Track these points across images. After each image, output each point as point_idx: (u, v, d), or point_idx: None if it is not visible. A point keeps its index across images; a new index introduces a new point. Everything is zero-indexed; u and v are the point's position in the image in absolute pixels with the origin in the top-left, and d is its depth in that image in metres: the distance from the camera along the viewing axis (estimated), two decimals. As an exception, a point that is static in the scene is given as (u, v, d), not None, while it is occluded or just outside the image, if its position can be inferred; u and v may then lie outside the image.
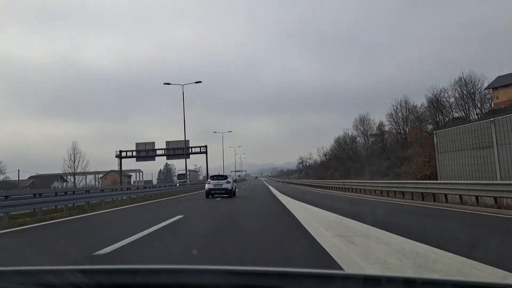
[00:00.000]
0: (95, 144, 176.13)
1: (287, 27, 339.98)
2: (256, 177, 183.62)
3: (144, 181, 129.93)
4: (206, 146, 59.38)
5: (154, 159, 59.18)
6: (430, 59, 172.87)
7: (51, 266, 1.33)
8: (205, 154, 59.79)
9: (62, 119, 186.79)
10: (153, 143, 58.88)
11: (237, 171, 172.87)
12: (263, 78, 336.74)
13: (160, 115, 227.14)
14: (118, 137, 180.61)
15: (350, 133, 59.46)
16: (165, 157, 59.29)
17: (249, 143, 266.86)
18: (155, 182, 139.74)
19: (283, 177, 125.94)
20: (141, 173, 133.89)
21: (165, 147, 58.70)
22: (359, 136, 58.61)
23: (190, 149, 59.39)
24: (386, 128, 54.27)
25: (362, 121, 58.10)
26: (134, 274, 1.32)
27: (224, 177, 23.90)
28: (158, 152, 59.06)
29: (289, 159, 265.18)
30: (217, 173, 26.59)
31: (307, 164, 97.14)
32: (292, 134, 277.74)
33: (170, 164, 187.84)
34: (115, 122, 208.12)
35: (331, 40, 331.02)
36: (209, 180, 23.59)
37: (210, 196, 22.41)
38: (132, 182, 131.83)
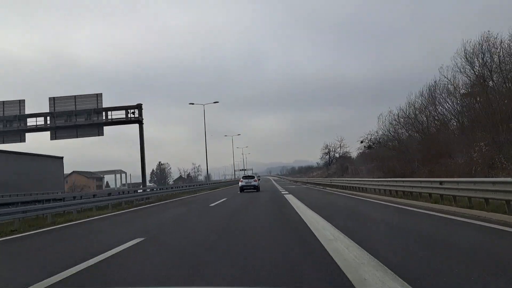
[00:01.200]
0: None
1: (293, 14, 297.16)
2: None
3: (132, 183, 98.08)
4: (139, 106, 26.60)
5: (22, 139, 26.48)
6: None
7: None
8: (138, 125, 26.97)
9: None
10: (20, 102, 26.41)
11: (243, 169, 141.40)
12: (267, 71, 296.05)
13: (159, 112, 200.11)
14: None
15: (452, 78, 25.92)
16: (49, 133, 26.63)
17: (256, 141, 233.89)
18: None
19: (299, 175, 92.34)
20: (123, 175, 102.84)
21: (48, 110, 26.24)
22: (483, 81, 25.04)
23: (103, 113, 26.88)
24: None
25: (481, 46, 24.71)
26: None
27: (252, 176, 30.91)
28: (32, 122, 26.55)
29: (298, 157, 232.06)
30: (246, 174, 38.77)
31: (339, 154, 64.16)
32: (300, 132, 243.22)
33: (164, 164, 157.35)
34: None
35: (341, 28, 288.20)
36: (241, 179, 30.32)
37: (243, 191, 28.08)
38: (104, 187, 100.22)
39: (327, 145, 68.92)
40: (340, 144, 64.43)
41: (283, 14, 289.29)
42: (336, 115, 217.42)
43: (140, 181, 28.81)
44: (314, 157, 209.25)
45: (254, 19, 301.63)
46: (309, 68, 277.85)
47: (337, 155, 65.38)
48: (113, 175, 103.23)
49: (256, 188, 28.27)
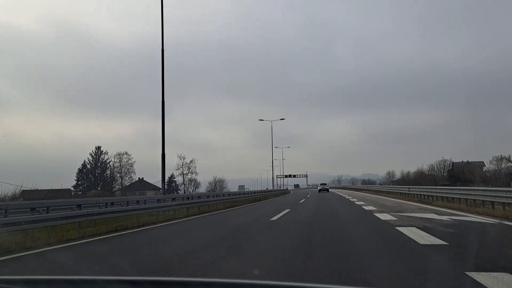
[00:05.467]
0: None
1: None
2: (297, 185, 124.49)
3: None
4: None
5: None
6: None
7: (104, 276, 1.45)
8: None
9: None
10: None
11: (289, 175, 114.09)
12: (338, 58, 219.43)
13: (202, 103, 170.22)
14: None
15: None
16: None
17: (320, 150, 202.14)
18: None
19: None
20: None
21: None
22: None
23: None
24: None
25: None
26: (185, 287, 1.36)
27: (325, 184, 62.66)
28: None
29: (366, 171, 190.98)
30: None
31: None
32: (370, 139, 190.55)
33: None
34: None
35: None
36: (319, 185, 61.22)
37: (320, 191, 53.63)
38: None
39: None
40: None
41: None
42: (421, 118, 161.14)
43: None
44: (380, 171, 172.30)
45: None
46: (391, 51, 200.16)
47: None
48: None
49: (327, 190, 56.53)
